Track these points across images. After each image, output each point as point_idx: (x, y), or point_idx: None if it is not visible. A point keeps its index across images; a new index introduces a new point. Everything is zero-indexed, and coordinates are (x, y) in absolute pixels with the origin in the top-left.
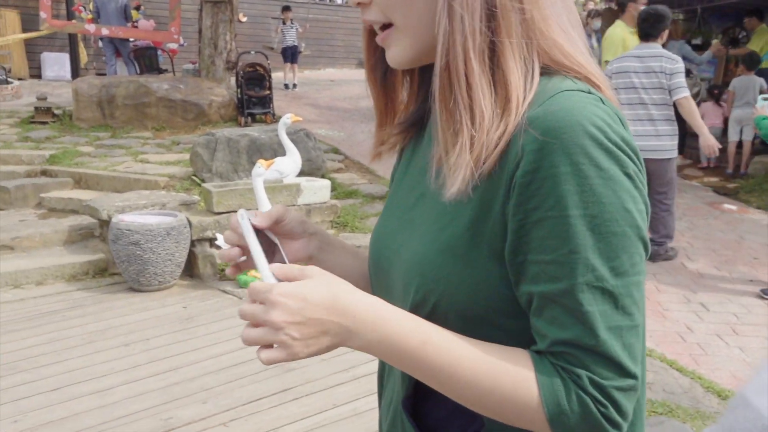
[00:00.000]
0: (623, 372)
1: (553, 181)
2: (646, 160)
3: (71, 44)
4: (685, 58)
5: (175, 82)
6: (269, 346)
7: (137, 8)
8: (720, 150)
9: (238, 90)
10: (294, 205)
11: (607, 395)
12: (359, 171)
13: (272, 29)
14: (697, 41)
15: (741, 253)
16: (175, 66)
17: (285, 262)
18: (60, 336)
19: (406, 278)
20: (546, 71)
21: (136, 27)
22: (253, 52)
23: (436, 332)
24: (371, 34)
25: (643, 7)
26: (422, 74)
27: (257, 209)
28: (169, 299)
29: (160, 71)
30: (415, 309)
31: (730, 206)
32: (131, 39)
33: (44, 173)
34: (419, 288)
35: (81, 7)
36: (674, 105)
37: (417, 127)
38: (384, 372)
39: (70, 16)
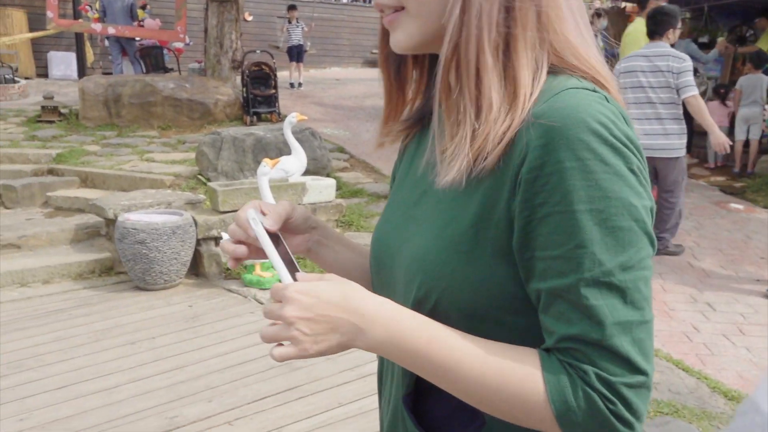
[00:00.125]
0: (633, 368)
1: (559, 177)
2: (654, 158)
3: (78, 43)
4: (691, 57)
5: (181, 81)
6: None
7: (143, 7)
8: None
9: (244, 89)
10: (299, 204)
11: (616, 392)
12: (364, 170)
13: (278, 28)
14: (704, 39)
15: (748, 253)
16: (181, 65)
17: (289, 256)
18: (66, 334)
19: (409, 274)
20: (552, 69)
21: (142, 26)
22: (258, 51)
23: (443, 331)
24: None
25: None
26: (431, 71)
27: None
28: (175, 298)
29: (166, 70)
30: (418, 305)
31: (737, 205)
32: (137, 38)
33: (51, 172)
34: (422, 284)
35: (87, 7)
36: (683, 104)
37: (420, 124)
38: (383, 370)
39: (76, 15)
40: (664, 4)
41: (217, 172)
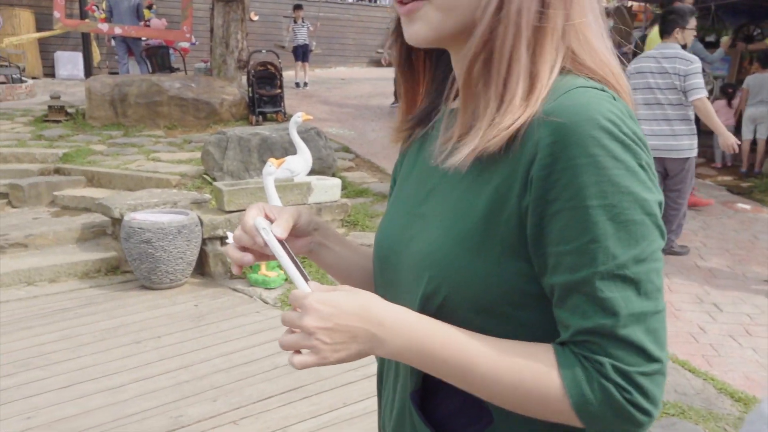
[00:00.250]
0: (648, 357)
1: (572, 173)
2: (662, 159)
3: (84, 43)
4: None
5: (187, 81)
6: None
7: (149, 7)
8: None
9: (250, 89)
10: (304, 204)
11: (632, 381)
12: (370, 170)
13: (283, 28)
14: (711, 38)
15: (755, 253)
16: (187, 65)
17: (297, 263)
18: (72, 333)
19: (418, 270)
20: (561, 69)
21: (149, 26)
22: (264, 51)
23: (457, 333)
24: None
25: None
26: (433, 68)
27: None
28: (180, 297)
29: (172, 70)
30: (426, 300)
31: (744, 205)
32: (143, 38)
33: (57, 171)
34: (431, 279)
35: (94, 7)
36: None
37: (422, 125)
38: (383, 371)
39: (83, 15)
40: (678, 3)
41: (223, 172)
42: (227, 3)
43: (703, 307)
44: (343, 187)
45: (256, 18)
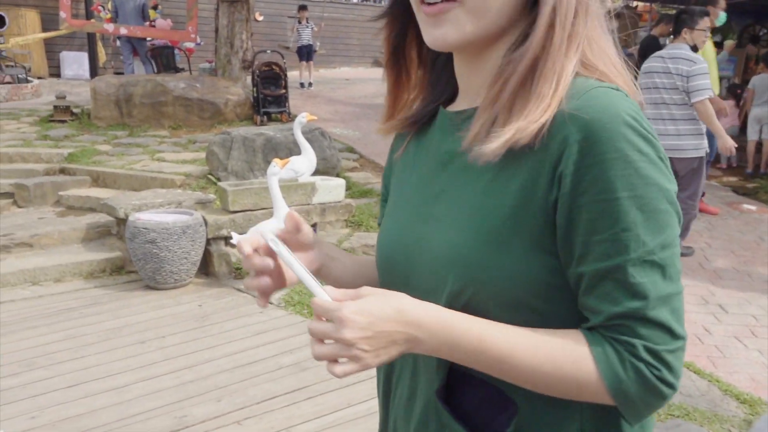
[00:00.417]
0: (673, 335)
1: (601, 168)
2: (670, 159)
3: (90, 43)
4: None
5: (192, 81)
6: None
7: (155, 7)
8: (738, 149)
9: (254, 89)
10: (309, 204)
11: (660, 359)
12: (374, 170)
13: (288, 28)
14: (716, 39)
15: (760, 254)
16: (192, 65)
17: (310, 273)
18: (77, 333)
19: (440, 270)
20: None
21: (154, 26)
22: (268, 51)
23: (491, 326)
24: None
25: (721, 13)
26: (432, 70)
27: (272, 215)
28: (185, 297)
29: (177, 70)
30: (452, 299)
31: (750, 206)
32: (148, 38)
33: (63, 171)
34: (457, 278)
35: (100, 7)
36: None
37: (416, 126)
38: (391, 372)
39: (89, 15)
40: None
41: (228, 172)
42: (232, 3)
43: (708, 309)
44: (348, 188)
45: (260, 18)
